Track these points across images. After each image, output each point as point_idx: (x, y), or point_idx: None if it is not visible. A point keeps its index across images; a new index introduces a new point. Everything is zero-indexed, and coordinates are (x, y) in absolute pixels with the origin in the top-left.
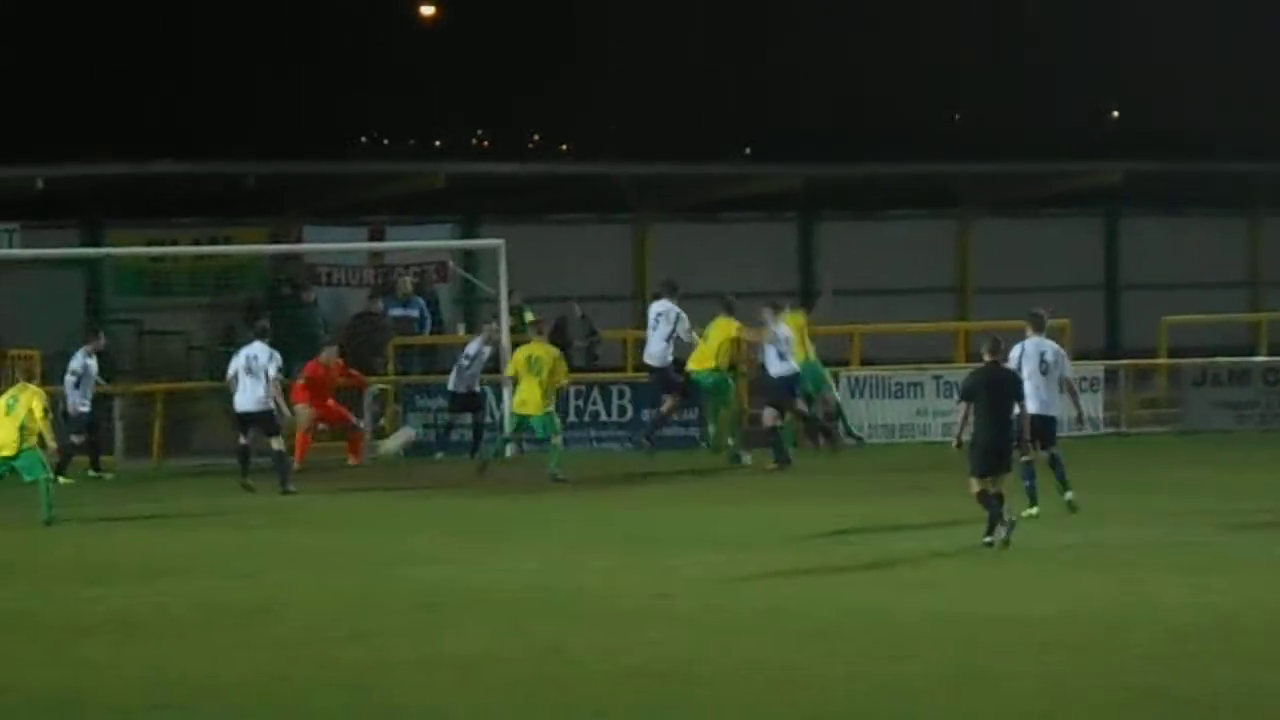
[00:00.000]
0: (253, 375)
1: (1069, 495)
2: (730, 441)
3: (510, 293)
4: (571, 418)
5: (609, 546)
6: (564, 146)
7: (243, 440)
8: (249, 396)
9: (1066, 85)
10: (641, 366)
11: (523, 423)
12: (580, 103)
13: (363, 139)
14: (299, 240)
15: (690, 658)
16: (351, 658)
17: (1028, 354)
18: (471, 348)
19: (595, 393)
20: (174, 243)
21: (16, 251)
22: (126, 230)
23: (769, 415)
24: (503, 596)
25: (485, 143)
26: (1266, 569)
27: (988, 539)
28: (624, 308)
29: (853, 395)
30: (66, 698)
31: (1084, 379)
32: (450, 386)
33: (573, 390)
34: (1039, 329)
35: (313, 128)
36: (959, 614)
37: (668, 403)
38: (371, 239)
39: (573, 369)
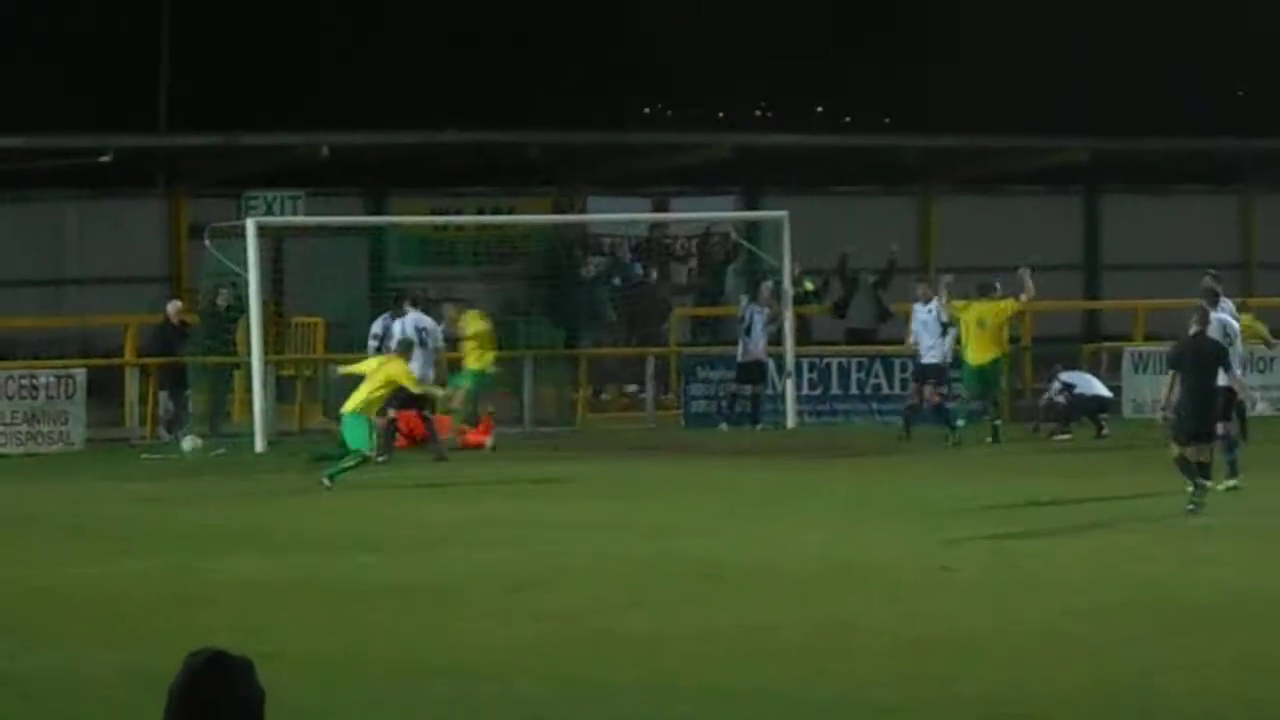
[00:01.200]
0: (423, 348)
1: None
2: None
3: (792, 264)
4: (854, 390)
5: (888, 518)
6: (847, 119)
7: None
8: (416, 367)
9: None
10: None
11: None
12: (887, 73)
13: (646, 110)
14: (582, 211)
15: (973, 630)
16: (632, 628)
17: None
18: (748, 313)
19: (878, 365)
20: (458, 212)
21: (301, 219)
22: (411, 199)
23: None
24: (784, 569)
25: (768, 113)
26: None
27: (1190, 506)
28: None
29: (1135, 371)
30: (346, 662)
31: None
32: (739, 358)
33: (854, 362)
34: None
35: (592, 97)
36: (1251, 592)
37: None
38: (655, 211)
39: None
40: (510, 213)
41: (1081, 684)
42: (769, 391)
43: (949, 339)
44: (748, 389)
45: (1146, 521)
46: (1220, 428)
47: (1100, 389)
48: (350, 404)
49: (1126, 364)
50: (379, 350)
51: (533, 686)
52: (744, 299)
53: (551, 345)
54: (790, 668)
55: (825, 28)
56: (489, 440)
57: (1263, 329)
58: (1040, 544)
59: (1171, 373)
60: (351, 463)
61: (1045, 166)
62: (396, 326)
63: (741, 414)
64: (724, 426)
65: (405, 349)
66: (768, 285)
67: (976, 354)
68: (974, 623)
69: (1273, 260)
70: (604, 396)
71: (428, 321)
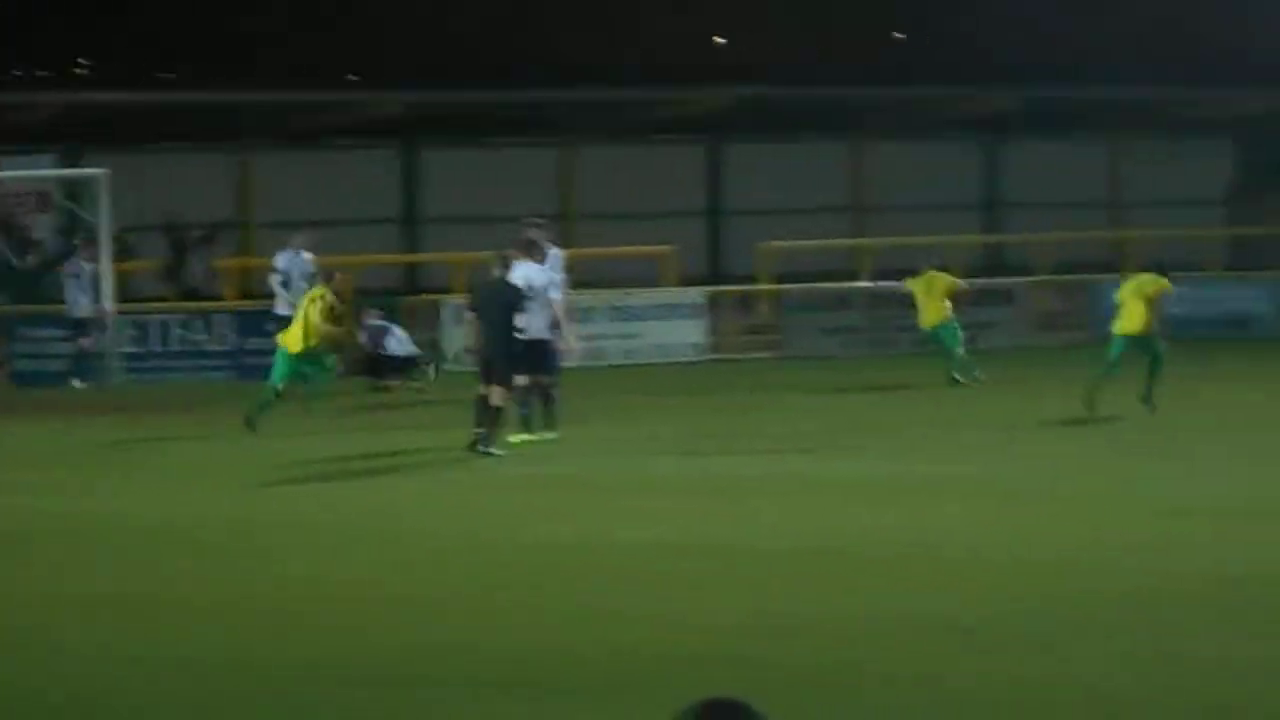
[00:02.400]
0: None
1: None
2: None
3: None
4: (177, 347)
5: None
6: (170, 75)
7: None
8: None
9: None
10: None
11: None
12: (212, 26)
13: None
14: None
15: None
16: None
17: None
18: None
19: (202, 323)
20: None
21: None
22: None
23: None
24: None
25: (89, 70)
26: (859, 493)
27: (480, 447)
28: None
29: (456, 323)
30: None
31: (687, 306)
32: (75, 314)
33: (177, 319)
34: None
35: None
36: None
37: None
38: None
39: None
40: None
41: (404, 641)
42: (88, 347)
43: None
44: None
45: (441, 471)
46: (527, 380)
47: (409, 348)
48: None
49: (446, 316)
50: None
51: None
52: (75, 257)
53: None
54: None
55: None
56: None
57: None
58: (329, 497)
59: (471, 315)
60: None
61: (362, 120)
62: None
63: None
64: (76, 383)
65: None
66: (87, 241)
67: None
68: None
69: (592, 210)
70: None
71: None
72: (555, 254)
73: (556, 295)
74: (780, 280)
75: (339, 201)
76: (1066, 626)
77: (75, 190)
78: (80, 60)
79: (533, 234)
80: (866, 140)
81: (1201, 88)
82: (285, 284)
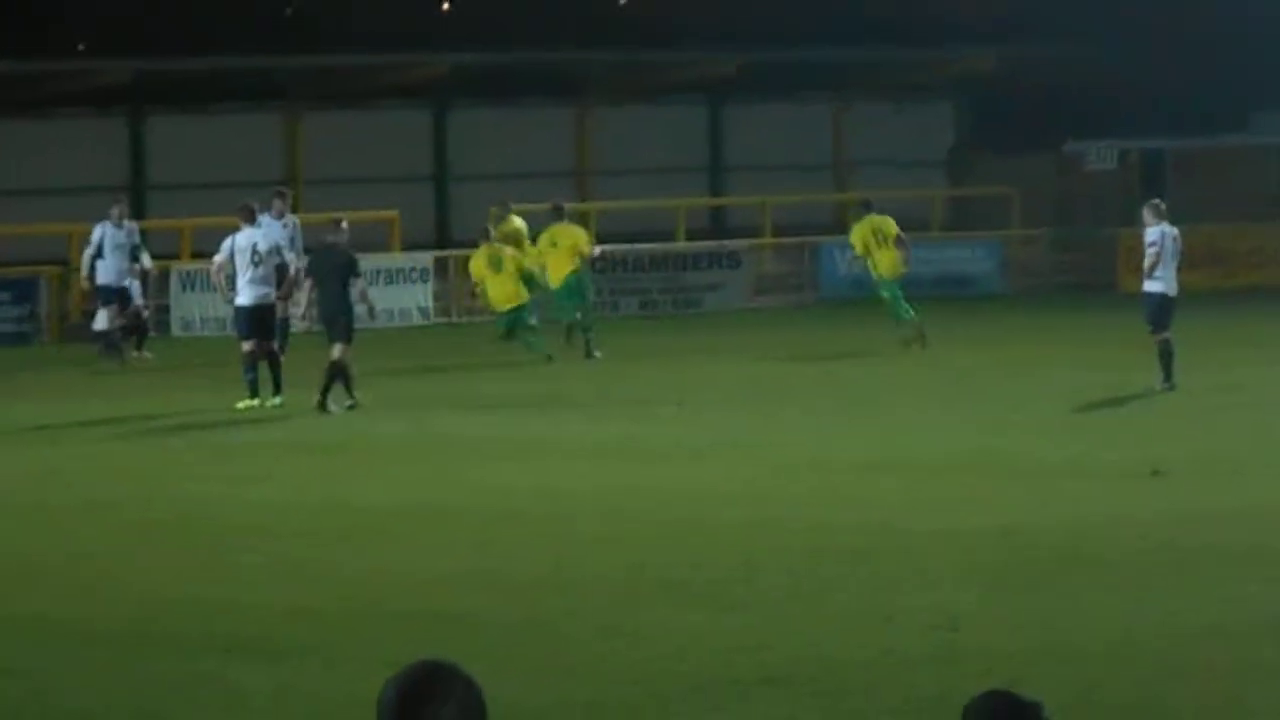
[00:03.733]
0: None
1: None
2: None
3: None
4: None
5: None
6: None
7: None
8: None
9: None
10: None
11: None
12: None
13: None
14: None
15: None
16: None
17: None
18: None
19: None
20: None
21: None
22: None
23: None
24: None
25: None
26: (584, 455)
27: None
28: None
29: (185, 290)
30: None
31: (414, 269)
32: None
33: None
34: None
35: None
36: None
37: None
38: None
39: None
40: None
41: (133, 602)
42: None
43: None
44: None
45: (188, 436)
46: (253, 345)
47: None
48: None
49: (175, 283)
50: None
51: None
52: None
53: None
54: None
55: None
56: None
57: None
58: (86, 464)
59: (309, 279)
60: None
61: (89, 87)
62: None
63: None
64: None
65: None
66: None
67: None
68: (23, 544)
69: (317, 177)
70: None
71: None
72: (293, 221)
73: (290, 258)
74: None
75: (67, 169)
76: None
77: None
78: None
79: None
80: (593, 105)
81: (922, 49)
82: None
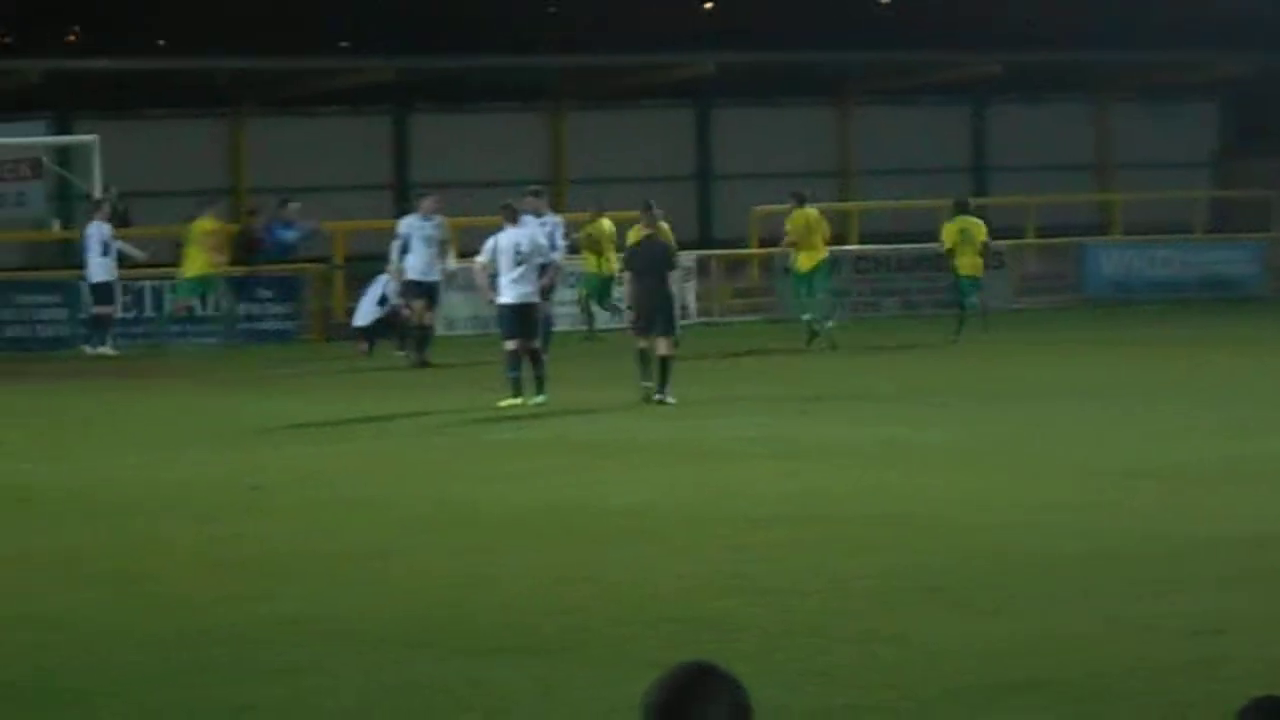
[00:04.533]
0: None
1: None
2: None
3: (106, 188)
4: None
5: (205, 440)
6: (160, 42)
7: None
8: None
9: None
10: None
11: None
12: None
13: None
14: None
15: (284, 550)
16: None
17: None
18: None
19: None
20: None
21: None
22: None
23: None
24: (97, 493)
25: (80, 37)
26: (844, 456)
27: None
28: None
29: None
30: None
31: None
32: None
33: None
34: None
35: None
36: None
37: None
38: None
39: None
40: None
41: (396, 601)
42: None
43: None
44: None
45: (452, 435)
46: (515, 344)
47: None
48: None
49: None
50: None
51: None
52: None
53: None
54: (102, 592)
55: None
56: None
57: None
58: (349, 461)
59: (629, 274)
60: None
61: (352, 86)
62: None
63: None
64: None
65: None
66: (96, 205)
67: None
68: (286, 543)
69: (580, 176)
70: None
71: None
72: (553, 220)
73: (556, 258)
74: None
75: (331, 168)
76: (1024, 585)
77: (66, 157)
78: (73, 28)
79: (529, 201)
80: (853, 105)
81: (1183, 50)
82: (405, 249)
